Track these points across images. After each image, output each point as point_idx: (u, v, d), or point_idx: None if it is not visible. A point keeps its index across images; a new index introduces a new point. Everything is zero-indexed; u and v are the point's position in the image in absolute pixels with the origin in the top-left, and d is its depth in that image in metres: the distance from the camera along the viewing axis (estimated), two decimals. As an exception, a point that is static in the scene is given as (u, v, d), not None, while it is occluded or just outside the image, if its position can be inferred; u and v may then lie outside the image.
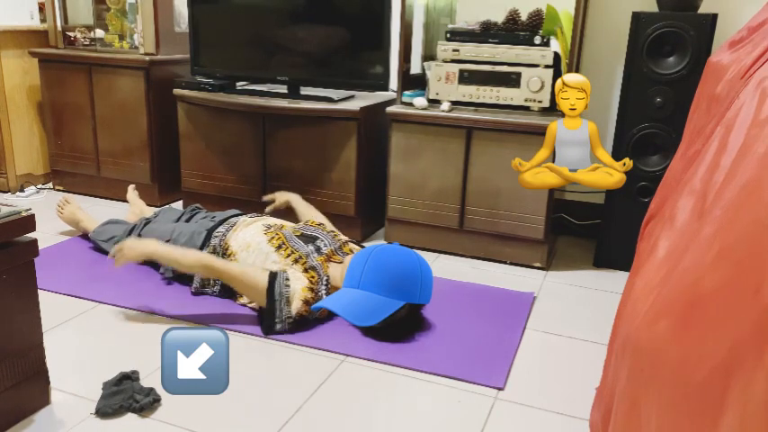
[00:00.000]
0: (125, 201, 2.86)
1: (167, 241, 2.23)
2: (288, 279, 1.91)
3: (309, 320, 1.95)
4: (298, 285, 1.92)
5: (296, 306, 1.89)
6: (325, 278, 1.98)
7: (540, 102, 2.42)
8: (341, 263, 2.05)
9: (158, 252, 1.98)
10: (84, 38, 3.20)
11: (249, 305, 2.04)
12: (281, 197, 2.49)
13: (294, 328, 1.91)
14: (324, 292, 1.96)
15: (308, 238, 2.11)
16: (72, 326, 1.92)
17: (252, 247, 2.05)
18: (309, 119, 2.65)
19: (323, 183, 2.69)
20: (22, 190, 3.22)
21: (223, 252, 2.09)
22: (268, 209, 2.45)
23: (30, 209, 1.42)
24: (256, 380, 1.68)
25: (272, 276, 1.90)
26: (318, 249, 2.06)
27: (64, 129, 3.18)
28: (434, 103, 2.54)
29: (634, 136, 2.37)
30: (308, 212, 2.40)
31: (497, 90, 2.46)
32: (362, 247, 2.12)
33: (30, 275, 1.46)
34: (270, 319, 1.88)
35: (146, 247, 1.98)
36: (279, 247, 2.03)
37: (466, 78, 2.50)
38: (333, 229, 2.22)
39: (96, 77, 3.04)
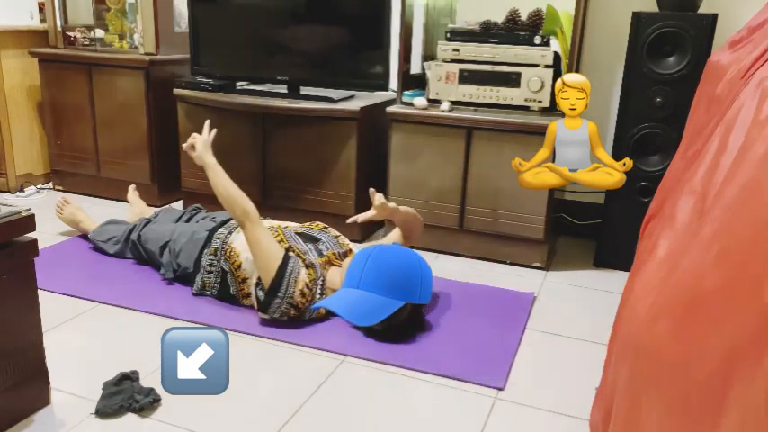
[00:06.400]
0: (125, 201, 2.86)
1: (167, 242, 2.23)
2: (301, 263, 1.94)
3: (309, 320, 1.96)
4: (303, 273, 1.92)
5: (298, 291, 1.89)
6: (320, 279, 1.98)
7: (540, 102, 2.42)
8: (340, 267, 2.04)
9: (213, 168, 1.98)
10: (84, 38, 3.20)
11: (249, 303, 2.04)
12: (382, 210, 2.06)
13: (294, 328, 1.91)
14: (318, 292, 1.96)
15: (309, 239, 2.10)
16: (72, 326, 1.92)
17: None
18: (309, 119, 2.65)
19: (323, 183, 2.69)
20: (21, 190, 3.22)
21: (227, 255, 2.08)
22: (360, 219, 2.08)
23: (30, 209, 1.42)
24: (256, 380, 1.68)
25: (287, 251, 1.93)
26: (319, 251, 2.06)
27: (64, 129, 3.18)
28: (434, 103, 2.53)
29: (634, 136, 2.37)
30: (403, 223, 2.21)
31: (497, 90, 2.46)
32: None
33: (30, 275, 1.46)
34: (272, 294, 1.87)
35: (208, 158, 2.01)
36: (278, 243, 2.03)
37: (466, 78, 2.49)
38: (337, 233, 2.21)
39: (96, 77, 3.04)
